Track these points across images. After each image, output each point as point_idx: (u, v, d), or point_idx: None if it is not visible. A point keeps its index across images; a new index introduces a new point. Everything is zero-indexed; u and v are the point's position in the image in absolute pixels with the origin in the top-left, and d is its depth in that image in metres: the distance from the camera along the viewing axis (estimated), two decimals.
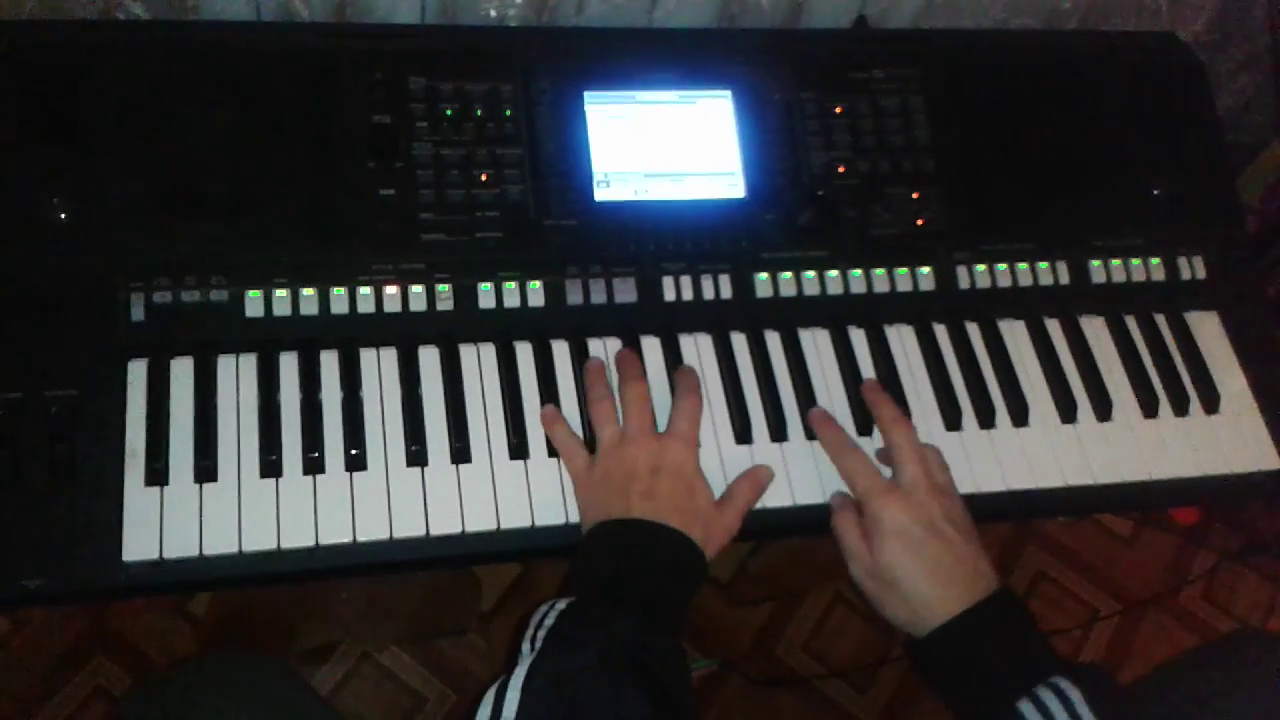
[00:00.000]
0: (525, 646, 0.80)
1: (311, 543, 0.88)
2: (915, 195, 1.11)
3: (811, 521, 0.98)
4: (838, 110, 1.12)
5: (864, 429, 1.02)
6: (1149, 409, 1.08)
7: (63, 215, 0.94)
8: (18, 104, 0.97)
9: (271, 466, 0.90)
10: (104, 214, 0.95)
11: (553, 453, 0.96)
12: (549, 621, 0.81)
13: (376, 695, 1.55)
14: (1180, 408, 1.09)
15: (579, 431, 0.97)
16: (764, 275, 1.06)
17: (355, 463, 0.92)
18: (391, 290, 0.98)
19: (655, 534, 0.87)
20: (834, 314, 1.07)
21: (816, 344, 1.06)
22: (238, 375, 0.94)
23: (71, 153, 0.96)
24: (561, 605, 0.82)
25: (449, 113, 1.04)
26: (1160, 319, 1.13)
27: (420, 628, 1.58)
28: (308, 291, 0.97)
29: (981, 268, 1.11)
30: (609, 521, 0.89)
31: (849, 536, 0.93)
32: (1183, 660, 1.08)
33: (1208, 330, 1.14)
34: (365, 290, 0.98)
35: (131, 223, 0.95)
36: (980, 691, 0.85)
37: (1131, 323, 1.13)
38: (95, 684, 1.49)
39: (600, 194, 1.05)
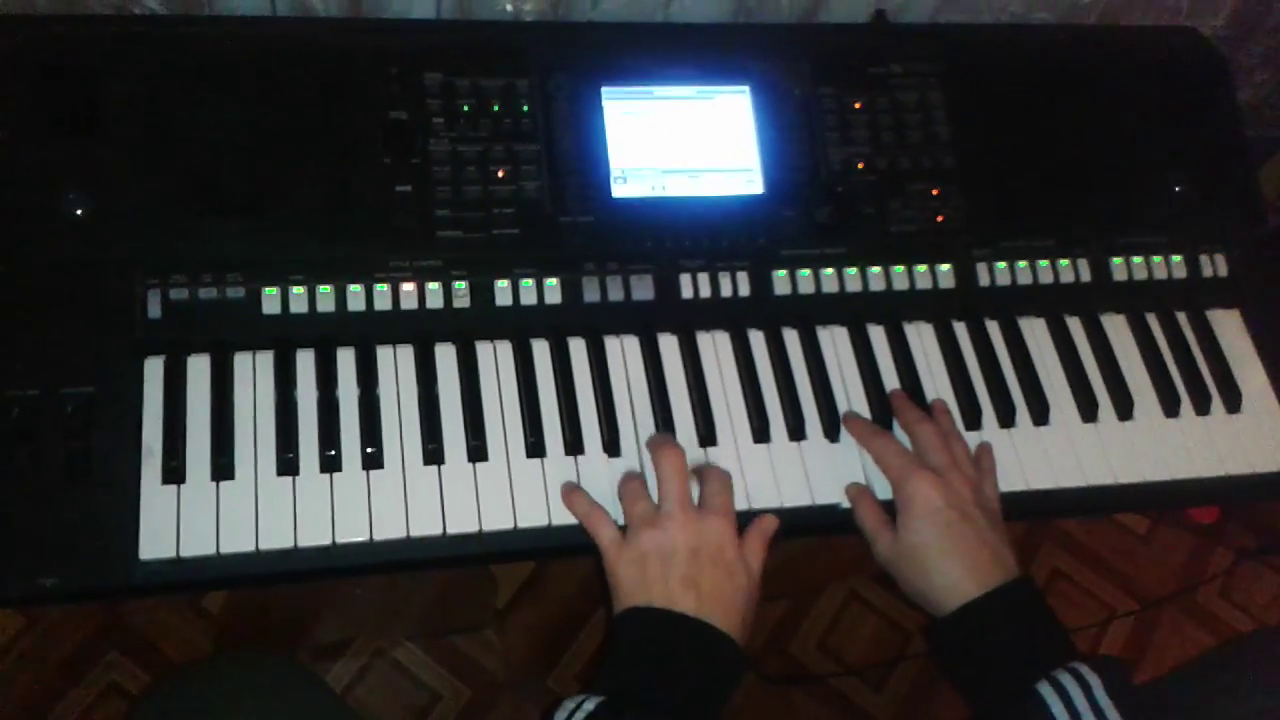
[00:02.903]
0: None
1: (328, 541, 0.88)
2: (935, 192, 1.10)
3: (830, 521, 0.97)
4: (856, 106, 1.11)
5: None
6: (1170, 408, 1.07)
7: (78, 211, 0.93)
8: (33, 99, 0.96)
9: (288, 464, 0.90)
10: (120, 210, 0.94)
11: (570, 451, 0.95)
12: None
13: (391, 691, 1.54)
14: (1202, 407, 1.08)
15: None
16: (782, 272, 1.05)
17: (372, 461, 0.91)
18: (408, 287, 0.98)
19: (697, 633, 0.83)
20: (853, 311, 1.06)
21: (835, 342, 1.05)
22: (254, 373, 0.93)
23: (87, 148, 0.95)
24: (590, 706, 0.78)
25: (465, 109, 1.03)
26: (1182, 317, 1.12)
27: (435, 624, 1.58)
28: (324, 289, 0.96)
29: (1002, 265, 1.10)
30: (647, 611, 0.84)
31: (870, 521, 0.94)
32: (1201, 660, 1.08)
33: (1230, 328, 1.13)
34: (382, 287, 0.97)
35: (147, 219, 0.95)
36: (998, 673, 0.85)
37: (1153, 320, 1.12)
38: (110, 680, 1.48)
39: (617, 190, 1.05)
